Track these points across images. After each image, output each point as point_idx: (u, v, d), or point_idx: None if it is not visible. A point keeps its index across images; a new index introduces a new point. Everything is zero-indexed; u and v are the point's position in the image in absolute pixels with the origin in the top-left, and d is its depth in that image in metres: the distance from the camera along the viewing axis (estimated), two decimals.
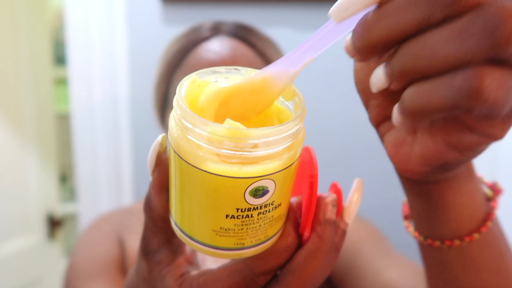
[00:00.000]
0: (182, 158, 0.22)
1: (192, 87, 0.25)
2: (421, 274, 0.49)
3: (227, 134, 0.21)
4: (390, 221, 0.66)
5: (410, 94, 0.21)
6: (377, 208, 0.99)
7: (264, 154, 0.22)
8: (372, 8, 0.21)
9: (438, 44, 0.19)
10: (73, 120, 1.04)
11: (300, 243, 0.26)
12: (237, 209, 0.23)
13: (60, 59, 2.13)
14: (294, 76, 0.24)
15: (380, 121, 0.28)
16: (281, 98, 0.26)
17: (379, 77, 0.23)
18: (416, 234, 0.33)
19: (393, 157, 0.27)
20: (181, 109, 0.22)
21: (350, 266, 0.57)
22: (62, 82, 2.00)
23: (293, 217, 0.26)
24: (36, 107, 1.36)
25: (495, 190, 0.32)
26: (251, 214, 0.23)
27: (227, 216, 0.23)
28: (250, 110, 0.24)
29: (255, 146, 0.21)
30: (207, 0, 0.97)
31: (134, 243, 0.63)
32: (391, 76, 0.22)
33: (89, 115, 1.03)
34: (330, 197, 0.26)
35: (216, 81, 0.25)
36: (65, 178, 2.32)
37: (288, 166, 0.23)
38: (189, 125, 0.22)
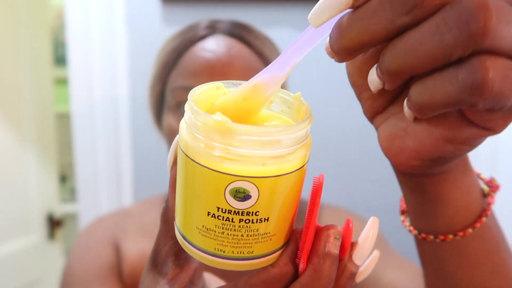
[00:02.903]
0: (182, 150, 0.23)
1: (214, 93, 0.26)
2: (420, 276, 0.49)
3: (213, 125, 0.21)
4: (389, 221, 0.66)
5: (415, 90, 0.21)
6: (376, 208, 0.99)
7: (246, 153, 0.21)
8: (347, 12, 0.21)
9: (418, 42, 0.19)
10: (73, 120, 1.04)
11: (297, 275, 0.24)
12: (218, 208, 0.22)
13: (60, 59, 2.13)
14: (282, 80, 0.24)
15: (373, 113, 0.28)
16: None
17: (373, 78, 0.23)
18: (411, 228, 0.33)
19: (386, 150, 0.27)
20: (188, 100, 0.23)
21: None
22: (62, 82, 2.00)
23: (293, 246, 0.25)
24: (36, 107, 1.36)
25: (492, 186, 0.32)
26: (232, 218, 0.23)
27: (208, 213, 0.23)
28: (244, 116, 0.25)
29: (239, 142, 0.21)
30: (207, 0, 0.98)
31: (130, 246, 0.63)
32: (381, 77, 0.22)
33: (89, 115, 1.03)
34: (334, 228, 0.24)
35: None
36: (65, 178, 2.33)
37: (275, 176, 0.22)
38: (189, 115, 0.23)
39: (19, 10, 1.28)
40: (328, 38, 0.23)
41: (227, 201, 0.22)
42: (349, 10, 0.21)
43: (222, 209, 0.22)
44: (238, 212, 0.22)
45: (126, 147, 1.04)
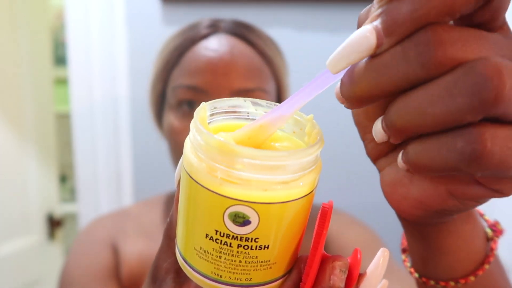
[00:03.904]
0: (185, 168, 0.23)
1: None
2: None
3: (216, 145, 0.21)
4: (388, 221, 0.66)
5: (414, 149, 0.20)
6: (376, 208, 0.99)
7: (247, 176, 0.20)
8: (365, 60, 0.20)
9: (426, 103, 0.18)
10: (73, 120, 1.04)
11: None
12: (216, 231, 0.22)
13: (60, 59, 2.13)
14: (287, 119, 0.24)
15: (377, 156, 0.27)
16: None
17: (378, 130, 0.22)
18: (412, 270, 0.32)
19: (388, 196, 0.26)
20: (194, 118, 0.23)
21: None
22: (62, 82, 2.00)
23: (296, 276, 0.24)
24: (36, 107, 1.36)
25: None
26: (230, 243, 0.22)
27: (206, 235, 0.22)
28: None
29: (241, 165, 0.20)
30: (207, 0, 0.98)
31: (129, 247, 0.63)
32: (386, 131, 0.21)
33: (89, 115, 1.03)
34: (341, 260, 0.23)
35: (248, 117, 0.26)
36: (65, 178, 2.33)
37: (277, 202, 0.21)
38: (193, 133, 0.22)
39: (19, 10, 1.28)
40: (339, 83, 0.22)
41: (225, 225, 0.21)
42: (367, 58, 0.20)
43: (220, 232, 0.22)
44: (237, 237, 0.22)
45: (126, 147, 1.04)
